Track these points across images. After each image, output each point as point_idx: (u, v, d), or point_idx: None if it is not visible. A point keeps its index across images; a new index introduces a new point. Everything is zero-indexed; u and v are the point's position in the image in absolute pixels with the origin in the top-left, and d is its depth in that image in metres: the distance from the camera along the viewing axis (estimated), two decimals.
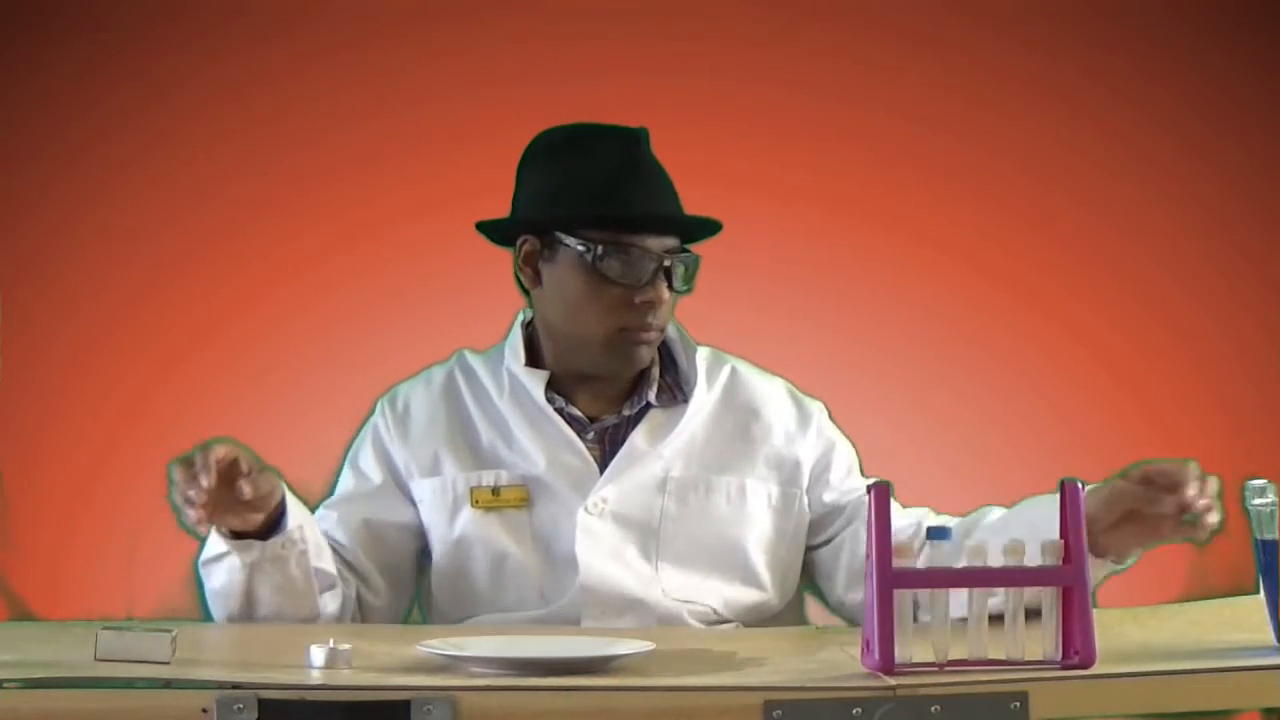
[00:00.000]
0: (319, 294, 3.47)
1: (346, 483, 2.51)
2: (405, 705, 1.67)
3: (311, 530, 2.33)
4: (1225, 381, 3.48)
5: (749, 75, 3.46)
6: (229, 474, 2.13)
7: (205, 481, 2.12)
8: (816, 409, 2.54)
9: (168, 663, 1.79)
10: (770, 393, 2.52)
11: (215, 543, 2.29)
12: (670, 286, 2.39)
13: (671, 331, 2.49)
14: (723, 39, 3.47)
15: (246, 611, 2.30)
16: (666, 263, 2.38)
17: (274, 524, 2.27)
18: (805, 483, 2.47)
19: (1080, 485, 1.81)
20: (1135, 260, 3.49)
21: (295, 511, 2.29)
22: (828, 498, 2.47)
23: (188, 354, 3.46)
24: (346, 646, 1.84)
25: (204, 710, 1.67)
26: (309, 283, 3.47)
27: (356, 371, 3.33)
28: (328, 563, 2.36)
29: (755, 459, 2.45)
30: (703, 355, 2.51)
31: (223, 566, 2.29)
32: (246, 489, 2.14)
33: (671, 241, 2.40)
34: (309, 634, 2.13)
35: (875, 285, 3.48)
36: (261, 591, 2.28)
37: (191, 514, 2.15)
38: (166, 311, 3.46)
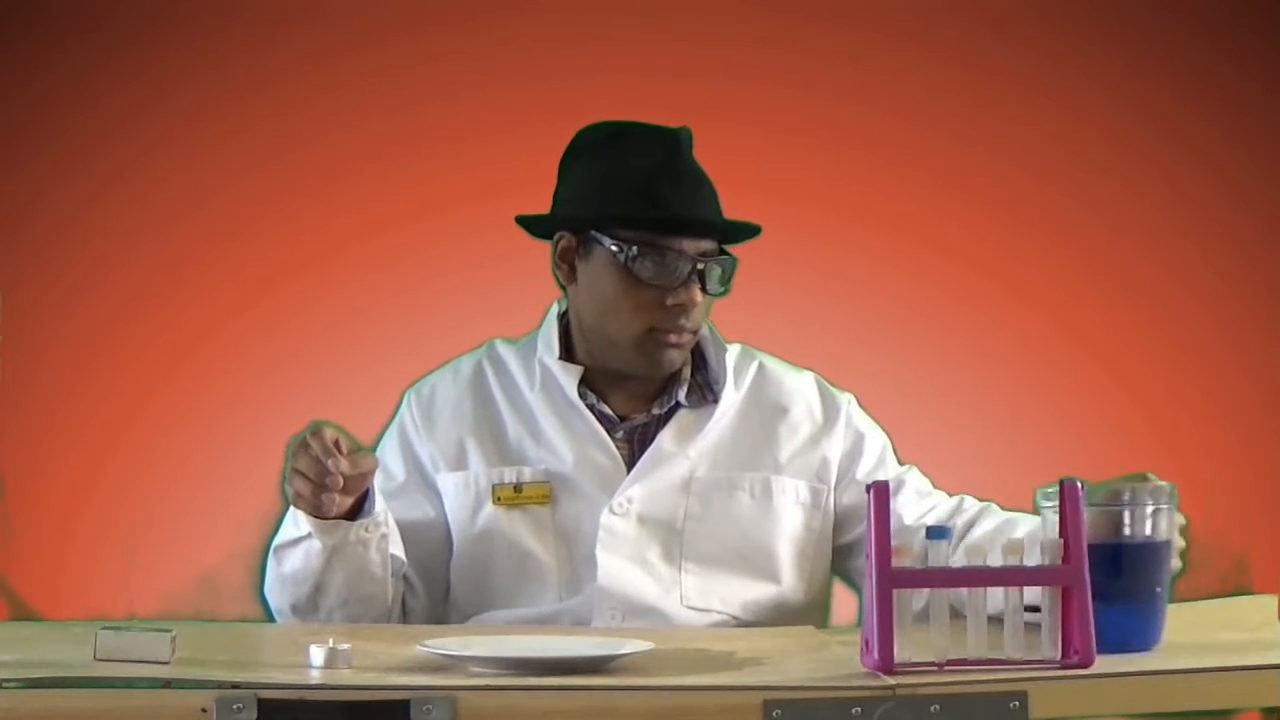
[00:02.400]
0: (319, 294, 3.47)
1: (374, 482, 2.49)
2: (405, 705, 1.67)
3: (390, 515, 2.34)
4: (1225, 382, 3.48)
5: (749, 75, 3.47)
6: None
7: (335, 468, 2.15)
8: (845, 401, 2.51)
9: (167, 662, 1.79)
10: (798, 387, 2.50)
11: (295, 526, 2.26)
12: (704, 289, 2.38)
13: (704, 330, 2.48)
14: (723, 39, 3.47)
15: (313, 600, 2.29)
16: (700, 265, 2.37)
17: (357, 507, 2.26)
18: (833, 479, 2.46)
19: (1080, 485, 1.81)
20: (1135, 260, 3.50)
21: (379, 495, 2.29)
22: (847, 499, 2.46)
23: (188, 354, 3.47)
24: (346, 646, 1.84)
25: (203, 710, 1.67)
26: (309, 283, 3.47)
27: (356, 371, 3.34)
28: (400, 550, 2.36)
29: (781, 456, 2.44)
30: (732, 354, 2.50)
31: (299, 550, 2.27)
32: (346, 466, 2.16)
33: (707, 244, 2.39)
34: (309, 634, 2.14)
35: (872, 284, 3.49)
36: (334, 579, 2.27)
37: (324, 500, 2.17)
38: (166, 311, 3.46)
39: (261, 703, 1.67)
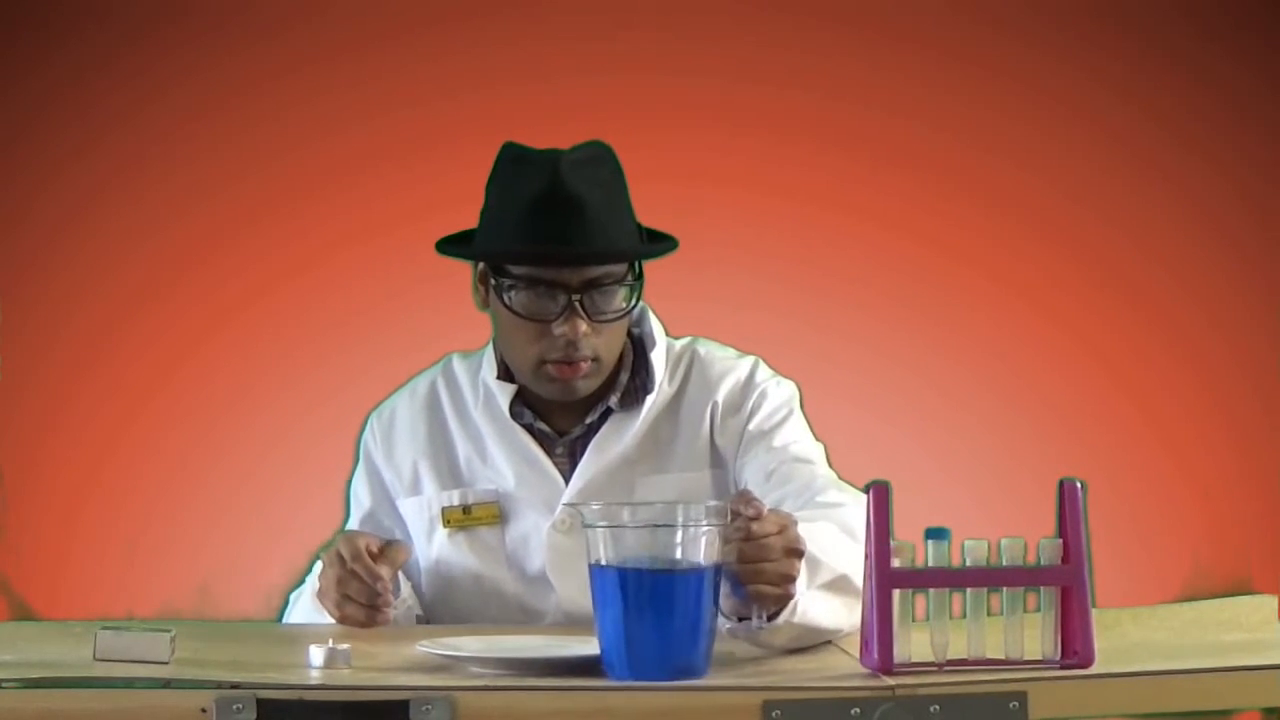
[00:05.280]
0: (319, 294, 3.47)
1: (351, 513, 2.50)
2: (404, 705, 1.67)
3: (410, 586, 2.36)
4: (1224, 382, 3.48)
5: (749, 75, 3.47)
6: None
7: (384, 589, 2.17)
8: (765, 386, 2.42)
9: (167, 663, 1.79)
10: (727, 374, 2.43)
11: (320, 613, 2.25)
12: (590, 318, 2.31)
13: (646, 326, 2.44)
14: (723, 39, 3.47)
15: None
16: (577, 297, 2.31)
17: None
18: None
19: (1080, 485, 1.81)
20: (1135, 260, 3.50)
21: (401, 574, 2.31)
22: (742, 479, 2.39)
23: (188, 354, 3.47)
24: (346, 646, 1.84)
25: (203, 710, 1.67)
26: (309, 283, 3.47)
27: (357, 372, 3.34)
28: (420, 608, 2.39)
29: (714, 447, 2.40)
30: (674, 349, 2.45)
31: None
32: (389, 573, 2.19)
33: (597, 270, 2.32)
34: (309, 634, 2.14)
35: (874, 285, 3.48)
36: None
37: (379, 616, 2.19)
38: (166, 311, 3.47)
39: (261, 703, 1.67)
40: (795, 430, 2.41)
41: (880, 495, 1.78)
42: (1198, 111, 3.48)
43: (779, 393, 2.43)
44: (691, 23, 3.46)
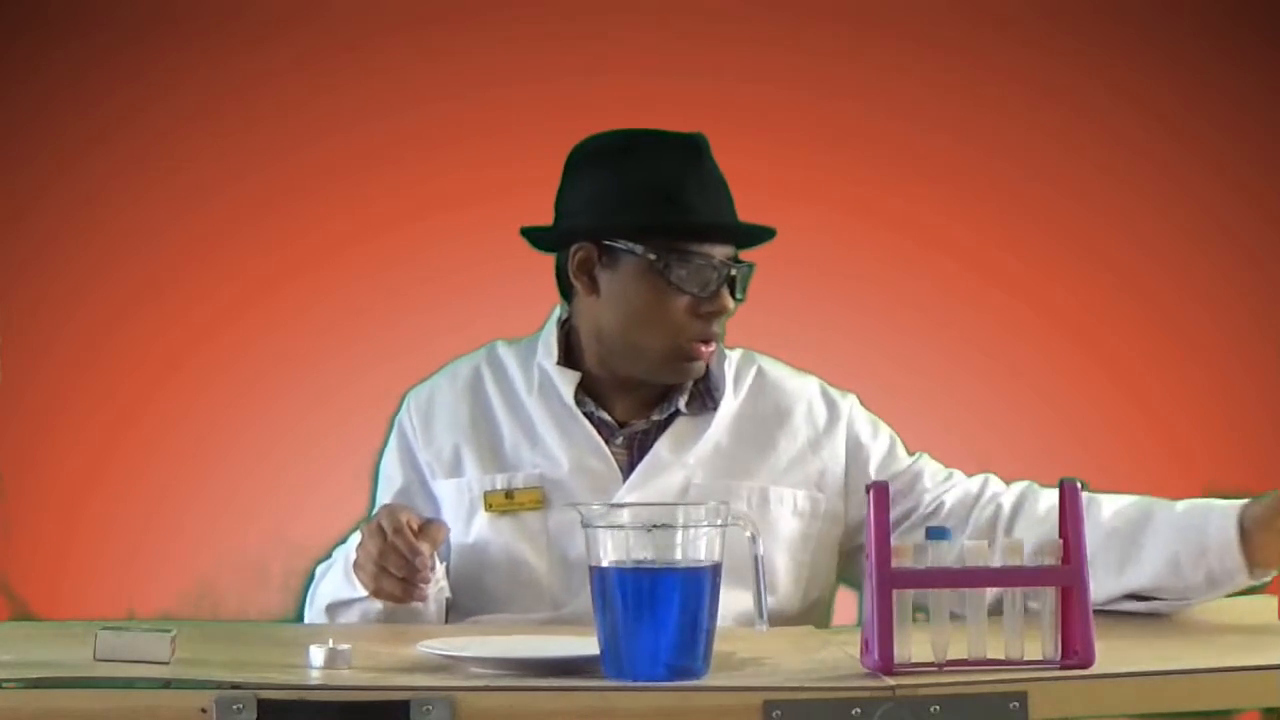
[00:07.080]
0: (319, 294, 3.47)
1: (379, 494, 2.49)
2: (404, 705, 1.67)
3: (440, 565, 2.35)
4: (1225, 382, 3.48)
5: (749, 75, 3.47)
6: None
7: (423, 565, 2.16)
8: (847, 406, 2.48)
9: (167, 663, 1.79)
10: (799, 393, 2.47)
11: (351, 587, 2.25)
12: (733, 295, 2.36)
13: None
14: (724, 39, 3.47)
15: None
16: (731, 272, 2.35)
17: None
18: (837, 487, 2.43)
19: (1080, 485, 1.81)
20: (1135, 260, 3.50)
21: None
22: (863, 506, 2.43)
23: (188, 354, 3.47)
24: (346, 646, 1.84)
25: (203, 710, 1.67)
26: (309, 283, 3.47)
27: (356, 371, 3.34)
28: (449, 590, 2.37)
29: (780, 463, 2.42)
30: (733, 359, 2.47)
31: (355, 609, 2.27)
32: (429, 549, 2.18)
33: (730, 250, 2.37)
34: (309, 634, 2.14)
35: (874, 285, 3.49)
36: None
37: (416, 594, 2.18)
38: (166, 311, 3.47)
39: (261, 703, 1.67)
40: (904, 453, 2.49)
41: (880, 495, 1.78)
42: (1198, 111, 3.48)
43: (869, 422, 2.49)
44: (693, 23, 3.46)
